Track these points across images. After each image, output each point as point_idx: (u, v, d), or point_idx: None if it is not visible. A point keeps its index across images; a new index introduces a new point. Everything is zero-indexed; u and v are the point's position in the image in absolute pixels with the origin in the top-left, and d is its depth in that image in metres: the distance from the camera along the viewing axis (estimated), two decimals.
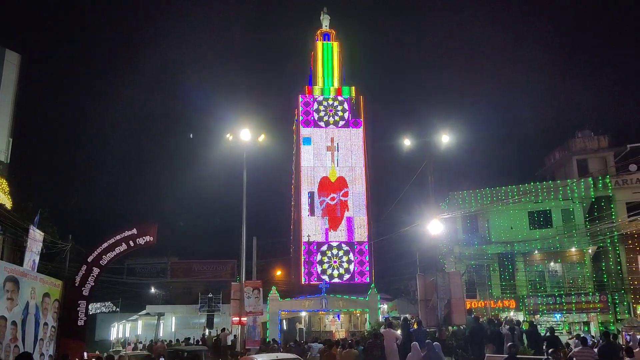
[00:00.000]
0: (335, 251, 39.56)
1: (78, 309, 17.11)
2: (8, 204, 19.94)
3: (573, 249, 32.46)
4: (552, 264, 33.42)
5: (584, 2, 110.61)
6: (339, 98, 42.45)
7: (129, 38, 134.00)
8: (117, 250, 17.83)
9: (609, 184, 32.76)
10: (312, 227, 39.90)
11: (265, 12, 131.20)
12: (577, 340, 16.11)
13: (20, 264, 16.69)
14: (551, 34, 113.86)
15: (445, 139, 19.58)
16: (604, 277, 32.10)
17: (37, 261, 18.13)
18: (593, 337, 24.33)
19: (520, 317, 29.99)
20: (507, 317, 26.25)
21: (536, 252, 33.16)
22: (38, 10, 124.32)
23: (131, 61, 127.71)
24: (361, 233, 39.99)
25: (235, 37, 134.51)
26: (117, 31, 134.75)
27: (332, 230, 40.02)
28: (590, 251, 32.27)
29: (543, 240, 32.55)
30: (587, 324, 31.36)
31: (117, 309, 48.67)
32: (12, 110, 24.73)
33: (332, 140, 41.56)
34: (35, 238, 18.02)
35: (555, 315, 31.68)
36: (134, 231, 17.98)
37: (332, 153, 41.35)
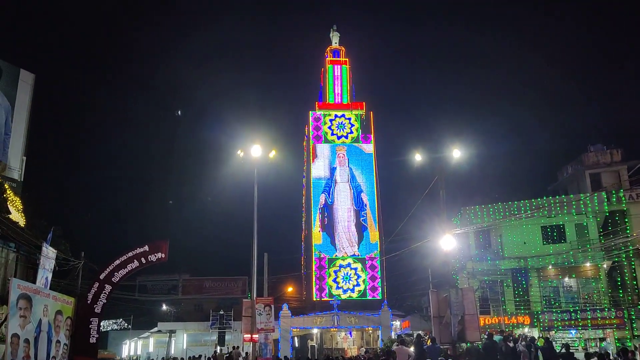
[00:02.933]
0: (347, 267, 39.41)
1: (90, 326, 17.11)
2: (22, 222, 20.07)
3: (587, 264, 32.06)
4: (566, 279, 33.02)
5: (597, 16, 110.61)
6: (349, 114, 42.59)
7: (141, 57, 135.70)
8: (129, 267, 17.86)
9: (623, 198, 32.43)
10: (323, 243, 39.83)
11: (275, 29, 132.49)
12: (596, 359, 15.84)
13: (34, 281, 16.74)
14: (564, 48, 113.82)
15: (456, 153, 19.46)
16: (620, 292, 31.66)
17: (49, 278, 18.18)
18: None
19: (535, 333, 29.58)
20: (522, 333, 25.89)
21: (550, 267, 32.79)
22: (50, 30, 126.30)
23: (143, 80, 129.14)
24: (373, 249, 39.84)
25: (246, 53, 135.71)
26: (129, 50, 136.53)
27: (343, 246, 39.91)
28: (605, 266, 31.87)
29: (557, 255, 32.22)
30: (603, 340, 30.86)
31: (129, 326, 48.67)
32: (26, 129, 25.04)
33: (342, 155, 41.65)
34: (48, 255, 18.09)
35: (571, 331, 31.23)
36: (146, 248, 18.02)
37: (343, 168, 41.41)
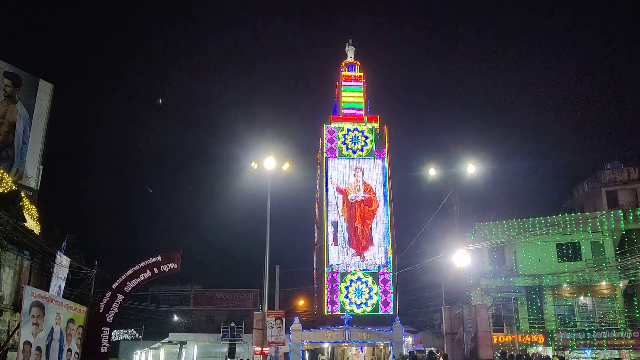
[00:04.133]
0: (359, 282, 39.19)
1: (101, 335, 17.10)
2: (37, 230, 20.25)
3: (603, 283, 31.63)
4: (581, 298, 32.60)
5: (615, 32, 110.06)
6: (364, 128, 42.60)
7: (157, 68, 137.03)
8: (142, 277, 17.86)
9: None
10: (335, 257, 39.67)
11: (290, 42, 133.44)
12: None
13: (47, 289, 16.84)
14: (580, 63, 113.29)
15: (471, 168, 19.36)
16: (637, 312, 31.15)
17: (62, 287, 18.29)
18: None
19: (549, 352, 29.16)
20: (536, 352, 25.53)
21: (565, 285, 32.40)
22: (69, 40, 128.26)
23: (159, 90, 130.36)
24: (385, 264, 39.61)
25: (260, 66, 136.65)
26: (145, 62, 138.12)
27: (355, 261, 39.72)
28: (621, 285, 31.43)
29: (572, 274, 31.83)
30: None
31: (140, 337, 48.68)
32: (44, 138, 25.35)
33: (356, 170, 41.61)
34: (62, 264, 18.22)
35: (586, 351, 30.72)
36: (159, 258, 18.03)
37: (357, 183, 41.34)
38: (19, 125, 24.55)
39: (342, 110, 43.56)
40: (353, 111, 43.42)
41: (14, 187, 19.96)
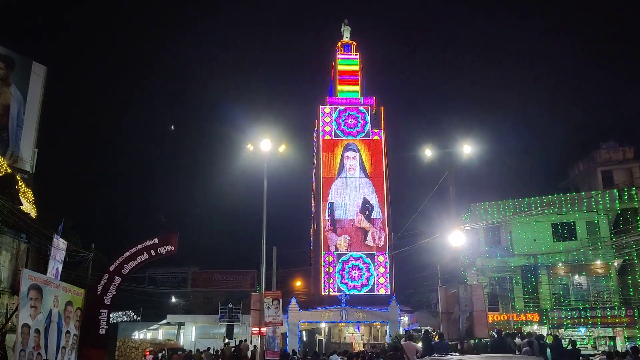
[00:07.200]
0: (355, 262, 39.38)
1: (100, 317, 17.18)
2: (33, 213, 20.22)
3: (598, 262, 31.88)
4: (576, 277, 32.86)
5: (610, 12, 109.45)
6: (360, 109, 42.46)
7: (153, 49, 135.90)
8: (139, 259, 17.88)
9: (635, 196, 32.16)
10: (332, 238, 39.81)
11: (286, 23, 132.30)
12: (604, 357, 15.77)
13: (44, 272, 16.87)
14: (576, 44, 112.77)
15: (467, 149, 19.35)
16: (630, 291, 31.44)
17: (60, 269, 18.33)
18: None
19: (544, 330, 29.49)
20: (528, 331, 25.84)
21: (560, 264, 32.63)
22: (66, 23, 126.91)
23: (154, 72, 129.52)
24: (381, 244, 39.77)
25: (256, 47, 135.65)
26: (141, 42, 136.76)
27: (352, 241, 39.87)
28: (615, 264, 31.67)
29: (567, 253, 32.05)
30: (612, 338, 30.71)
31: (138, 318, 48.96)
32: (38, 121, 25.18)
33: (352, 151, 41.55)
34: (59, 247, 18.24)
35: (580, 329, 31.10)
36: (156, 240, 18.03)
37: (353, 165, 41.30)
38: (12, 108, 24.31)
39: (339, 100, 43.32)
40: (349, 100, 43.23)
41: (9, 171, 19.87)
